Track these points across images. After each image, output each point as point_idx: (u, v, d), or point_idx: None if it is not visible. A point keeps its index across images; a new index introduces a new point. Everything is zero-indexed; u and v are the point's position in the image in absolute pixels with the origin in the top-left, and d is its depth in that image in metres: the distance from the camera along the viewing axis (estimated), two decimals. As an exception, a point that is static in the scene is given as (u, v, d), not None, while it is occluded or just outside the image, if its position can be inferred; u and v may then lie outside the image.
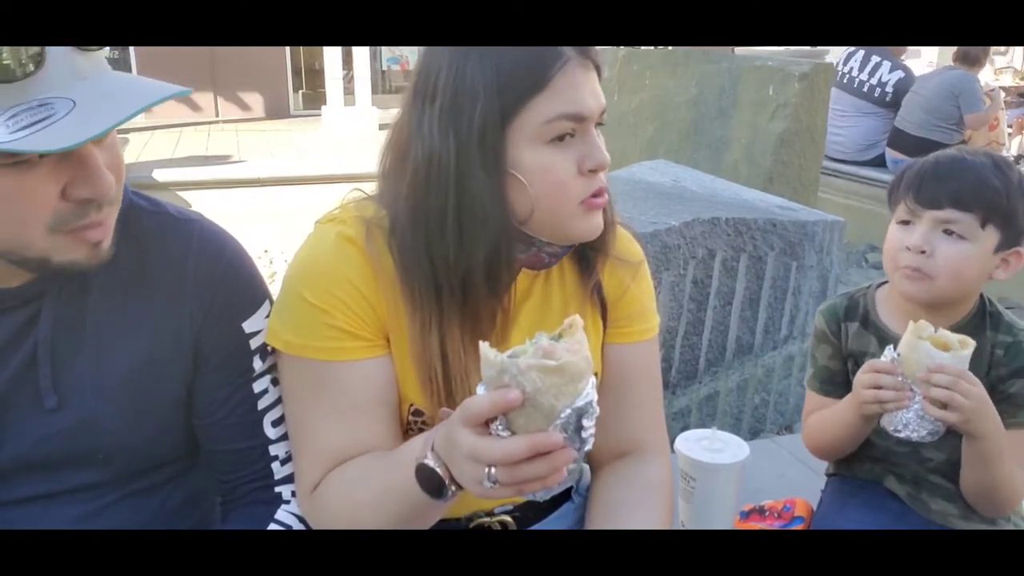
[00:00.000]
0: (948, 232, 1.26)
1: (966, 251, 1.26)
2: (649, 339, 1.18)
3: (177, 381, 1.01)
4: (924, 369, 1.16)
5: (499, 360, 0.75)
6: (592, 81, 0.97)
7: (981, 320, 1.34)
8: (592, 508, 1.15)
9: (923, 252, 1.26)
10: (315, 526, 1.04)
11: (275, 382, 1.06)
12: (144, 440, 1.00)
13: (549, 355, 0.75)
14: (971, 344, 1.17)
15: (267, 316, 1.04)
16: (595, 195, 0.99)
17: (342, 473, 1.00)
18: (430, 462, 0.84)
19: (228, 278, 1.02)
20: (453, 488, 0.84)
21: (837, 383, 1.43)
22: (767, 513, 1.52)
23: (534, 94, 0.93)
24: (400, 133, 1.00)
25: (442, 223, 0.96)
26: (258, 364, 1.04)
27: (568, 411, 0.75)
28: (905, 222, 1.31)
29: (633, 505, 1.11)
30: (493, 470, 0.76)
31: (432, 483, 0.84)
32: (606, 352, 1.16)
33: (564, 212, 0.99)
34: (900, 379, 1.20)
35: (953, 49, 5.79)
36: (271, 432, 1.06)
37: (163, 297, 0.98)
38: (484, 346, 0.76)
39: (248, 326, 1.03)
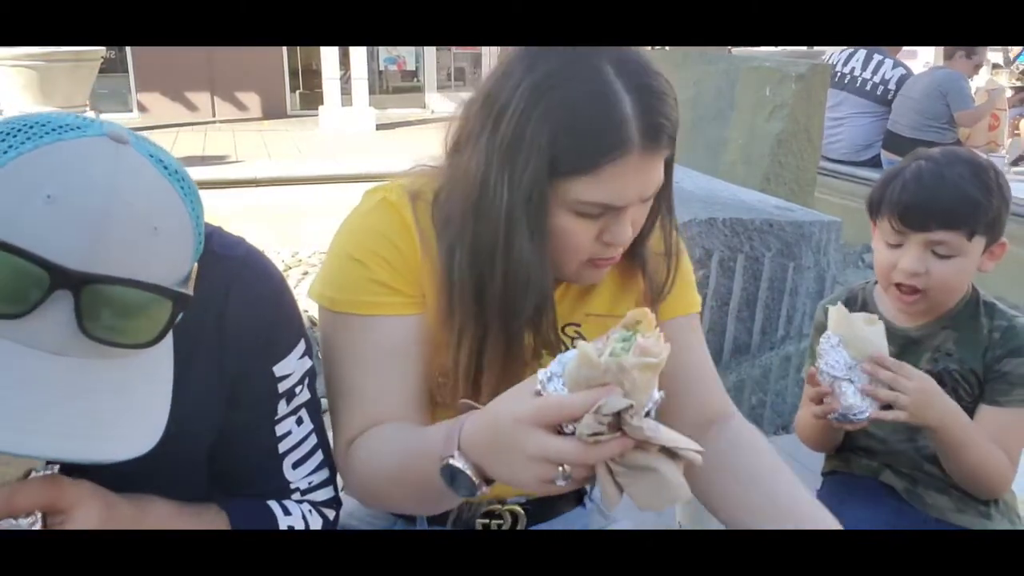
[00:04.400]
0: (938, 253, 1.31)
1: (958, 266, 1.32)
2: (692, 314, 1.21)
3: (212, 433, 0.96)
4: (864, 347, 1.26)
5: (602, 361, 0.72)
6: (648, 170, 0.95)
7: (975, 309, 1.40)
8: (727, 482, 1.07)
9: (916, 274, 1.31)
10: (344, 486, 1.07)
11: (299, 422, 1.02)
12: (170, 491, 0.94)
13: (646, 352, 0.73)
14: (875, 318, 1.29)
15: (300, 358, 1.00)
16: (606, 258, 1.03)
17: (369, 441, 1.01)
18: (457, 463, 0.82)
19: (265, 321, 0.96)
20: (484, 488, 0.82)
21: None
22: (765, 513, 1.53)
23: (580, 174, 0.93)
24: (462, 128, 1.02)
25: (492, 270, 0.99)
26: (283, 407, 0.99)
27: (650, 406, 0.74)
28: (894, 244, 1.34)
29: (766, 470, 1.07)
30: (567, 468, 0.75)
31: (457, 482, 0.83)
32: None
33: (567, 262, 1.02)
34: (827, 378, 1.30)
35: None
36: (291, 474, 1.01)
37: (204, 348, 0.92)
38: (587, 347, 0.74)
39: (279, 369, 0.97)
